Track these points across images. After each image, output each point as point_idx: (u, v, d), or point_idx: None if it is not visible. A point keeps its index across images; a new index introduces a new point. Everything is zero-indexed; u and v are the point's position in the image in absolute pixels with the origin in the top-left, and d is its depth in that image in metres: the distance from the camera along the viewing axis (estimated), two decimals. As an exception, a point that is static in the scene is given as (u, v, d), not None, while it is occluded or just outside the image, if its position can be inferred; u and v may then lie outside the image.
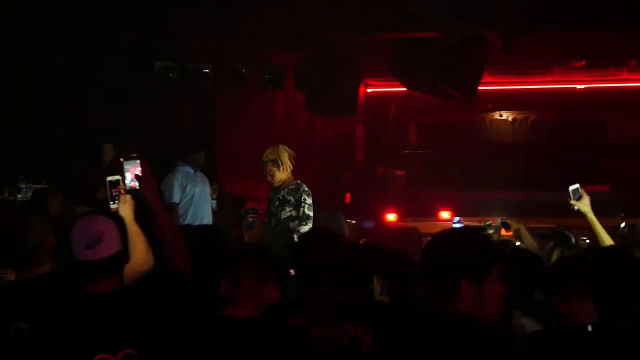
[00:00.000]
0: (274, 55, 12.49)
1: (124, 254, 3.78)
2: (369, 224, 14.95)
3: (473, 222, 14.32)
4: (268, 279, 4.16)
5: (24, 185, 10.11)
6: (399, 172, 17.58)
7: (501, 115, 18.27)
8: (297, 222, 8.12)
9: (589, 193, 6.02)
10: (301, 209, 8.14)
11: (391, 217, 15.63)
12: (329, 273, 3.97)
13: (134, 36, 10.94)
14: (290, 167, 8.26)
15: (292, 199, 8.16)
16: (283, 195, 8.16)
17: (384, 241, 8.44)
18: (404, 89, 13.36)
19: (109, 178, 4.68)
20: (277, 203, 8.17)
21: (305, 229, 8.01)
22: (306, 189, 8.27)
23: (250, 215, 7.20)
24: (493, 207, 13.65)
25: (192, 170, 9.83)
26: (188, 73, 11.79)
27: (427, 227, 15.50)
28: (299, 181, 8.33)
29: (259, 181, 11.03)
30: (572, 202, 5.95)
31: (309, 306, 3.80)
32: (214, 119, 13.37)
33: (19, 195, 10.04)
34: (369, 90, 17.54)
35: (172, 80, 11.75)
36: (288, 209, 8.13)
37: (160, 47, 11.60)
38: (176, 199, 9.64)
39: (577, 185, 5.97)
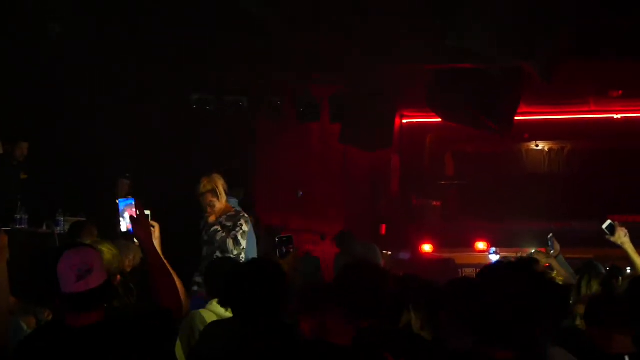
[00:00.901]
0: (310, 87, 12.56)
1: (109, 284, 3.81)
2: (404, 255, 14.94)
3: (509, 253, 14.26)
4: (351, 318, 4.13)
5: (62, 218, 10.20)
6: (434, 203, 17.54)
7: (537, 145, 18.18)
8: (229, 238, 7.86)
9: (626, 223, 6.04)
10: (233, 232, 7.86)
11: (427, 247, 15.61)
12: (373, 305, 4.00)
13: (173, 68, 11.04)
14: (225, 196, 7.99)
15: (231, 224, 7.91)
16: (221, 222, 7.92)
17: (420, 272, 8.42)
18: (440, 119, 13.36)
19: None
20: (211, 230, 7.92)
21: (230, 246, 7.80)
22: (246, 216, 8.11)
23: (285, 246, 7.15)
24: (529, 238, 13.58)
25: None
26: (225, 105, 11.89)
27: (463, 257, 15.48)
28: (239, 209, 8.17)
29: (295, 212, 11.12)
30: (608, 237, 5.98)
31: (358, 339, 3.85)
32: (254, 151, 13.42)
33: (58, 228, 10.13)
34: (404, 121, 17.54)
35: (209, 112, 11.86)
36: (221, 234, 7.89)
37: (197, 79, 11.71)
38: None
39: (608, 222, 6.02)
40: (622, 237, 5.92)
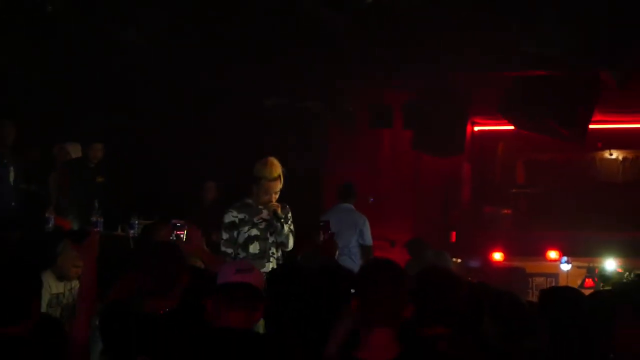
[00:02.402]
0: (383, 93, 12.59)
1: None
2: (475, 263, 14.84)
3: (582, 263, 14.11)
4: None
5: (136, 222, 10.36)
6: (505, 211, 17.40)
7: (611, 154, 17.91)
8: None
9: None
10: (288, 225, 7.47)
11: (497, 256, 15.48)
12: (448, 313, 4.00)
13: (248, 73, 11.15)
14: None
15: (284, 215, 7.47)
16: (275, 212, 7.42)
17: (490, 280, 8.39)
18: (512, 127, 13.27)
19: (175, 222, 4.94)
20: (264, 223, 7.43)
21: (291, 242, 7.48)
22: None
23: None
24: (601, 247, 13.43)
25: None
26: (298, 111, 11.98)
27: (533, 266, 15.34)
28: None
29: (367, 218, 11.14)
30: None
31: (433, 347, 3.83)
32: (325, 157, 13.44)
33: (132, 231, 10.29)
34: (476, 128, 17.45)
35: (282, 117, 11.96)
36: (288, 227, 7.44)
37: (271, 85, 11.81)
38: None
39: None
40: None
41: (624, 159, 17.97)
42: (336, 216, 10.20)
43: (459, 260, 13.72)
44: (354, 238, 10.86)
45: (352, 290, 3.75)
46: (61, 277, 7.38)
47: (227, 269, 4.01)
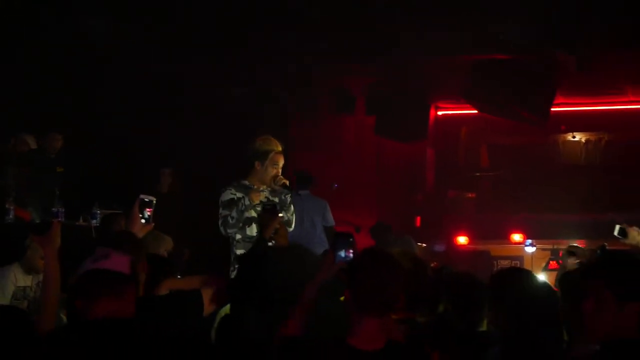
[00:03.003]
0: (345, 79, 12.55)
1: None
2: (439, 247, 14.88)
3: (545, 245, 14.18)
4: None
5: (98, 211, 10.26)
6: (469, 195, 17.45)
7: (574, 137, 18.02)
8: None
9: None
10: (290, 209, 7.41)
11: (462, 240, 15.53)
12: (411, 297, 3.99)
13: (210, 60, 11.08)
14: None
15: (277, 199, 7.42)
16: (282, 196, 7.44)
17: (454, 264, 8.40)
18: (475, 111, 13.29)
19: (143, 197, 4.80)
20: (268, 204, 7.10)
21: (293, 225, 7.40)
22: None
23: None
24: (565, 230, 13.49)
25: None
26: (262, 98, 11.92)
27: (498, 249, 15.41)
28: None
29: (330, 204, 11.10)
30: (623, 241, 5.96)
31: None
32: (287, 142, 13.39)
33: (94, 221, 10.20)
34: (439, 113, 17.48)
35: (247, 106, 11.89)
36: (291, 210, 7.43)
37: (234, 73, 11.74)
38: None
39: (618, 226, 5.99)
40: (636, 237, 5.92)
41: (587, 141, 18.09)
42: (299, 205, 10.21)
43: (424, 245, 13.75)
44: (320, 224, 10.83)
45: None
46: (29, 270, 7.35)
47: (86, 261, 3.83)
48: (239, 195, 7.31)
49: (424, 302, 4.45)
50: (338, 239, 4.18)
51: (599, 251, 8.39)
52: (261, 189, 7.42)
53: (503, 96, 11.39)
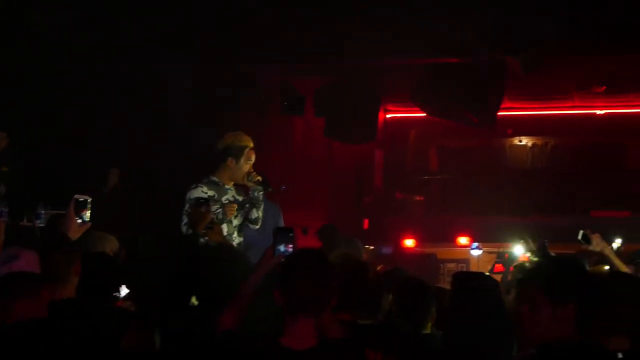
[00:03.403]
0: (294, 80, 12.54)
1: None
2: (387, 250, 14.92)
3: (491, 248, 14.30)
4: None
5: (43, 211, 10.10)
6: (417, 198, 17.53)
7: (521, 141, 18.21)
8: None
9: (609, 219, 6.12)
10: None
11: (409, 242, 15.61)
12: (352, 299, 4.01)
13: (155, 57, 11.00)
14: None
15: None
16: (255, 194, 7.29)
17: (402, 267, 8.43)
18: (424, 114, 13.36)
19: (77, 197, 4.73)
20: (247, 205, 7.20)
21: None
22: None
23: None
24: (512, 233, 13.61)
25: None
26: (211, 99, 11.84)
27: (445, 252, 15.50)
28: None
29: (280, 206, 11.08)
30: (586, 247, 6.03)
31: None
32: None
33: (38, 221, 10.03)
34: (388, 115, 17.55)
35: (196, 106, 11.80)
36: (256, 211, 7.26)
37: (184, 73, 11.66)
38: None
39: (581, 232, 6.06)
40: (599, 243, 5.99)
41: (533, 145, 18.29)
42: None
43: (372, 247, 13.77)
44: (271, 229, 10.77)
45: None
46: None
47: None
48: (210, 193, 7.09)
49: (367, 304, 4.47)
50: (278, 233, 4.19)
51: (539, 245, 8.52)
52: (227, 186, 7.23)
53: (450, 99, 11.45)
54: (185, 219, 6.95)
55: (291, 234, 4.15)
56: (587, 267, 6.83)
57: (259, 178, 7.24)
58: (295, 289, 3.67)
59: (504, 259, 12.76)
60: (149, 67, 11.12)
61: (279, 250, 4.06)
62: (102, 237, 6.78)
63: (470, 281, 4.41)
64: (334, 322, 3.87)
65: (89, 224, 4.97)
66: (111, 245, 7.04)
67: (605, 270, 6.47)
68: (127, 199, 11.51)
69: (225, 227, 7.04)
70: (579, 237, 6.06)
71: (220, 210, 7.03)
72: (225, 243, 6.64)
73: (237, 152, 7.19)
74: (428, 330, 5.06)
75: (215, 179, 7.21)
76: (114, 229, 7.92)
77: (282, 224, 10.76)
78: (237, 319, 3.92)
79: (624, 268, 5.85)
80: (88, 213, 4.90)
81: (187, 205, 6.99)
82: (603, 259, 6.06)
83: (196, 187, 7.08)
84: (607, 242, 6.18)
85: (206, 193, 7.03)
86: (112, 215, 8.37)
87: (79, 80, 11.05)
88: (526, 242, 9.38)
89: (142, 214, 10.52)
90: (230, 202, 7.17)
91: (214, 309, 3.99)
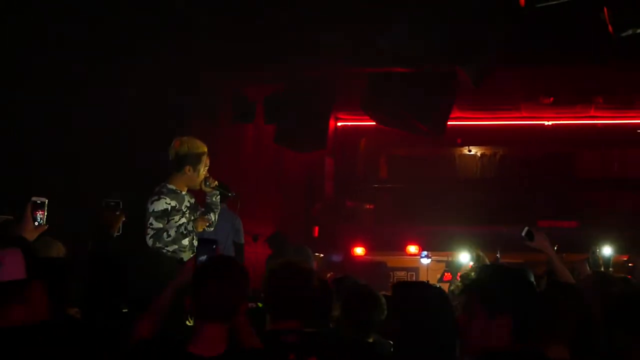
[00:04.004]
0: (244, 87, 12.51)
1: None
2: (337, 257, 14.98)
3: (440, 257, 14.40)
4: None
5: (-11, 217, 9.95)
6: (367, 206, 17.62)
7: (470, 151, 18.37)
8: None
9: (556, 228, 6.17)
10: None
11: (359, 250, 15.68)
12: (297, 307, 4.01)
13: (103, 60, 10.91)
14: None
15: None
16: (213, 199, 7.22)
17: (351, 274, 8.45)
18: (374, 123, 13.42)
19: (35, 199, 4.70)
20: (188, 213, 6.92)
21: None
22: None
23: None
24: (461, 242, 13.72)
25: None
26: (158, 105, 11.76)
27: (394, 261, 15.60)
28: None
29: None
30: (529, 244, 6.06)
31: (282, 340, 3.83)
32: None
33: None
34: (339, 123, 17.62)
35: (143, 112, 11.72)
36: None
37: (131, 77, 11.57)
38: None
39: (526, 228, 6.10)
40: (542, 241, 6.02)
41: (482, 155, 18.46)
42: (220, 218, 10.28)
43: (321, 255, 13.81)
44: (230, 237, 10.77)
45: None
46: None
47: None
48: (173, 203, 6.83)
49: (315, 312, 4.47)
50: (201, 244, 4.22)
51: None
52: (183, 192, 6.99)
53: (400, 108, 11.49)
54: (150, 232, 6.77)
55: (214, 246, 4.17)
56: (532, 277, 6.93)
57: (216, 183, 7.13)
58: (202, 294, 3.67)
59: (452, 267, 12.89)
60: (98, 72, 11.03)
61: (200, 261, 4.07)
62: (49, 242, 6.71)
63: (412, 290, 4.43)
64: (249, 329, 3.86)
65: (46, 226, 4.91)
66: (58, 250, 6.97)
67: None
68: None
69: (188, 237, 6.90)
70: (523, 233, 6.09)
71: (190, 223, 6.89)
72: (153, 249, 6.58)
73: (195, 160, 6.99)
74: (371, 339, 5.09)
75: (172, 187, 6.95)
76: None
77: (241, 232, 10.79)
78: (153, 326, 3.93)
79: (566, 272, 5.89)
80: (45, 215, 4.86)
81: (151, 218, 6.80)
82: (550, 266, 6.10)
83: (159, 198, 6.81)
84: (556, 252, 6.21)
85: (169, 204, 6.81)
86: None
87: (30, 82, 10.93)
88: (471, 251, 9.48)
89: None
90: (189, 209, 6.99)
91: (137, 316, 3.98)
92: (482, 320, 3.37)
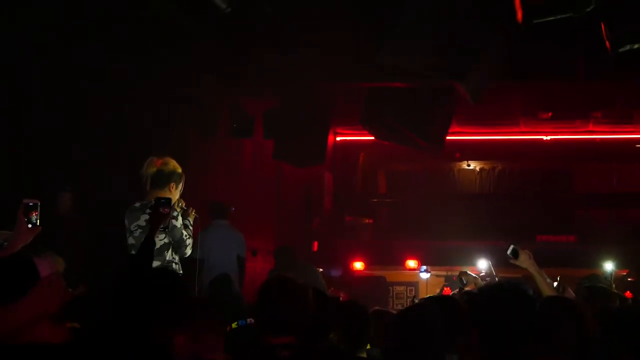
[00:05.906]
0: (243, 102, 12.52)
1: None
2: (336, 272, 14.95)
3: (439, 272, 14.39)
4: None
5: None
6: (366, 221, 17.61)
7: (469, 165, 18.38)
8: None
9: (555, 243, 6.21)
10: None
11: (358, 265, 15.65)
12: (293, 322, 4.01)
13: (100, 75, 10.92)
14: None
15: None
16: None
17: (351, 290, 8.46)
18: (373, 137, 13.42)
19: (27, 201, 4.71)
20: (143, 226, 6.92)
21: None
22: None
23: None
24: (459, 257, 13.71)
25: None
26: (157, 120, 11.77)
27: (394, 275, 15.57)
28: None
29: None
30: (514, 262, 6.15)
31: (276, 355, 3.83)
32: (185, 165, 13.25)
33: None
34: (338, 138, 17.62)
35: (143, 127, 11.72)
36: (162, 236, 6.95)
37: (129, 93, 11.58)
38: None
39: (512, 246, 6.18)
40: (526, 260, 6.12)
41: (481, 169, 18.46)
42: (219, 233, 10.53)
43: (321, 270, 13.80)
44: (234, 252, 10.86)
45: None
46: None
47: None
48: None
49: (309, 327, 4.47)
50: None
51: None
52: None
53: (398, 123, 11.50)
54: (132, 240, 6.98)
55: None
56: (530, 291, 6.92)
57: (184, 205, 7.27)
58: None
59: (452, 282, 12.88)
60: (93, 85, 11.04)
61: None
62: (49, 256, 6.72)
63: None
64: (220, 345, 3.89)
65: (39, 228, 4.91)
66: (58, 265, 6.99)
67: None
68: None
69: (171, 251, 6.98)
70: (508, 251, 6.19)
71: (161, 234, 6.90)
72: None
73: (178, 179, 7.21)
74: (364, 354, 5.13)
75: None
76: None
77: (244, 247, 10.86)
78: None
79: (551, 290, 5.95)
80: (38, 217, 4.86)
81: (133, 229, 6.98)
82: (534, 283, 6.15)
83: (145, 214, 6.94)
84: (554, 269, 6.31)
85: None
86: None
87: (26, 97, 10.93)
88: (464, 278, 9.50)
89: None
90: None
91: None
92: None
